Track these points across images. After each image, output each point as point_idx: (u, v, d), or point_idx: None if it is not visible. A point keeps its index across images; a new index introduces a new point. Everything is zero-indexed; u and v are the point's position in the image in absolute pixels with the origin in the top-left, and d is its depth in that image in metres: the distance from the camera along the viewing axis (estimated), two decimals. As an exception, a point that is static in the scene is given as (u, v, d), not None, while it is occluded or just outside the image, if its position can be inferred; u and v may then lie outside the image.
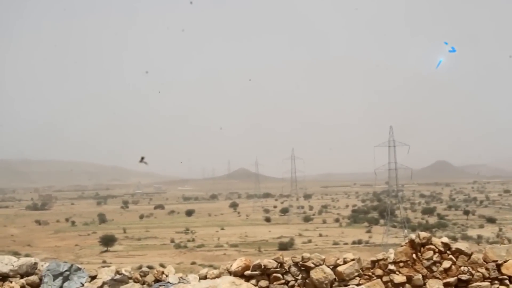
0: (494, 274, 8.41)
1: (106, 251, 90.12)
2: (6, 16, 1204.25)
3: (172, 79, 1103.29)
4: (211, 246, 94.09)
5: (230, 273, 8.84)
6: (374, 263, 8.66)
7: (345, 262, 8.66)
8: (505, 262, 8.46)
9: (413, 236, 8.72)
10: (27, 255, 11.56)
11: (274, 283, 8.67)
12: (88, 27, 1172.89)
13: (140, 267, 15.35)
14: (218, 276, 8.83)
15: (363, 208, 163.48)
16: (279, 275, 8.68)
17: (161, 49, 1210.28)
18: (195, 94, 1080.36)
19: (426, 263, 8.51)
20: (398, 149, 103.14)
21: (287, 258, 8.80)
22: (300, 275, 8.69)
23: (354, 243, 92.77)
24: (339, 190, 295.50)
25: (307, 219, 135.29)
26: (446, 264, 8.47)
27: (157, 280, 8.84)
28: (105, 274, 8.92)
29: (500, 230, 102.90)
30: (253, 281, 8.66)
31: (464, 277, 8.37)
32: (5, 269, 8.83)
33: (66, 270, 8.86)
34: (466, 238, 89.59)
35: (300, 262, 8.69)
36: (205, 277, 8.85)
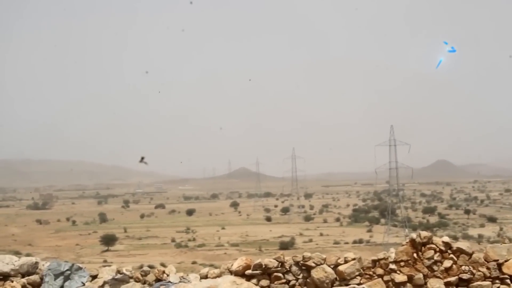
0: (495, 273, 8.40)
1: (107, 250, 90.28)
2: (6, 16, 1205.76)
3: (172, 79, 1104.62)
4: (212, 246, 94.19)
5: (231, 272, 8.84)
6: (375, 262, 8.66)
7: (346, 262, 8.65)
8: (506, 261, 8.45)
9: (414, 235, 8.72)
10: (28, 255, 11.58)
11: (275, 282, 8.66)
12: (88, 27, 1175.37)
13: (141, 267, 15.36)
14: (219, 276, 8.83)
15: (364, 207, 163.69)
16: (280, 274, 8.67)
17: (161, 49, 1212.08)
18: (195, 94, 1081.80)
19: (427, 262, 8.50)
20: (399, 148, 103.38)
21: (288, 257, 8.80)
22: (301, 275, 8.68)
23: (355, 242, 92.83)
24: (340, 190, 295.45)
25: (308, 219, 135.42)
26: (447, 263, 8.46)
27: (158, 280, 8.84)
28: (106, 274, 8.92)
29: (501, 229, 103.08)
30: (254, 281, 8.66)
31: (465, 276, 8.37)
32: (6, 268, 8.83)
33: (67, 270, 8.86)
34: (467, 237, 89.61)
35: (301, 262, 8.69)
36: (206, 277, 8.85)
